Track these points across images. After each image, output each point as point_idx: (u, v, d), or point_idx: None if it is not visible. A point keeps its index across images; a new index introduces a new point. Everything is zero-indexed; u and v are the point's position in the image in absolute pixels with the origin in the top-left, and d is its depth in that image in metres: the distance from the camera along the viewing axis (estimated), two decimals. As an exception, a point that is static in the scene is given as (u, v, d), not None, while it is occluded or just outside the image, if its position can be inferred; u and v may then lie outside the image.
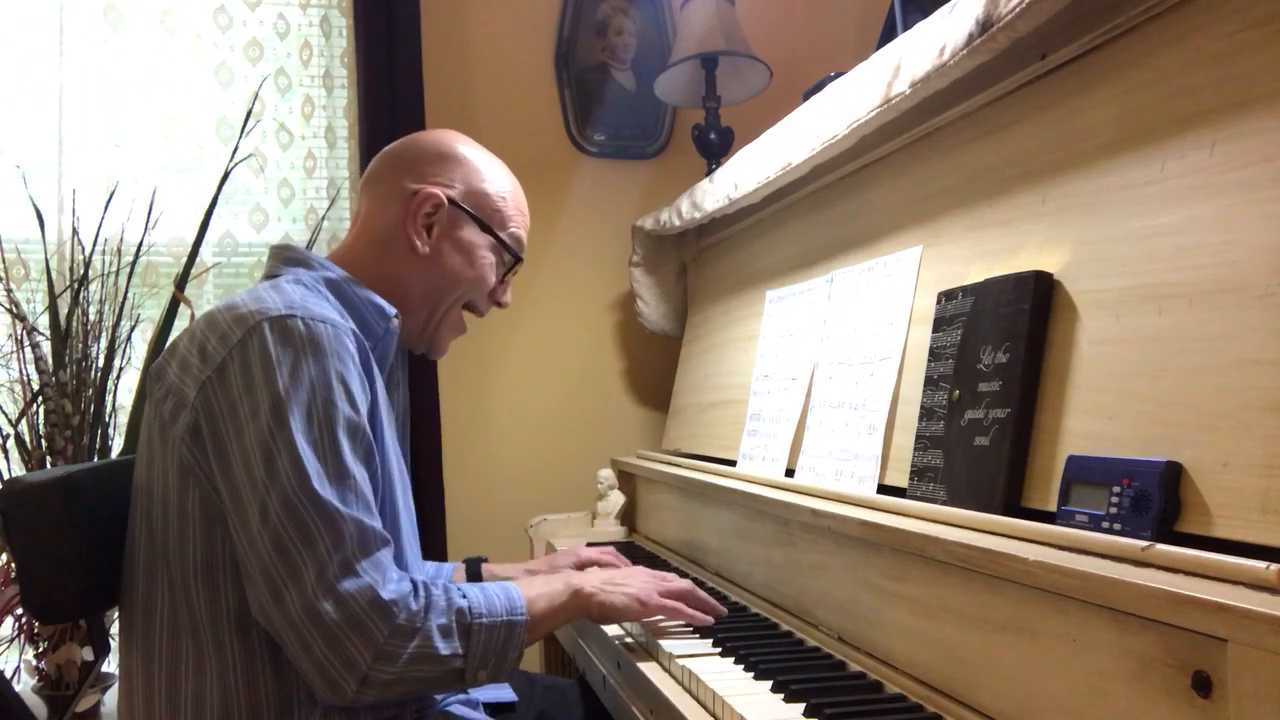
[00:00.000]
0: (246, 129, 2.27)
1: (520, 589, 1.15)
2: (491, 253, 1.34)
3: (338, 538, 1.01)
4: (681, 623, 1.32)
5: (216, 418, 1.05)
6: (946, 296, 1.20)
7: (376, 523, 1.06)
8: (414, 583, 1.06)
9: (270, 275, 1.25)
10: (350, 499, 1.04)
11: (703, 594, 1.33)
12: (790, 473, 1.53)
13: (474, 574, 1.57)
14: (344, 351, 1.09)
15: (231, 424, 1.04)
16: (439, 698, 1.23)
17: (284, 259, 1.26)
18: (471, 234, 1.32)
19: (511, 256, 1.37)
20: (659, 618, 1.32)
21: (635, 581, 1.29)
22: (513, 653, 1.11)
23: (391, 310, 1.25)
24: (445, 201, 1.29)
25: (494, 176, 1.36)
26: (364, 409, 1.10)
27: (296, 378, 1.05)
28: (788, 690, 1.05)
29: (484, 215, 1.33)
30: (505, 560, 1.66)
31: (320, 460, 1.03)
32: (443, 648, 1.05)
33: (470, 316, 1.41)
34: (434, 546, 2.26)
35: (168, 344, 1.18)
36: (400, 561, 1.14)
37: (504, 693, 1.40)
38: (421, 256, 1.29)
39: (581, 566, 1.53)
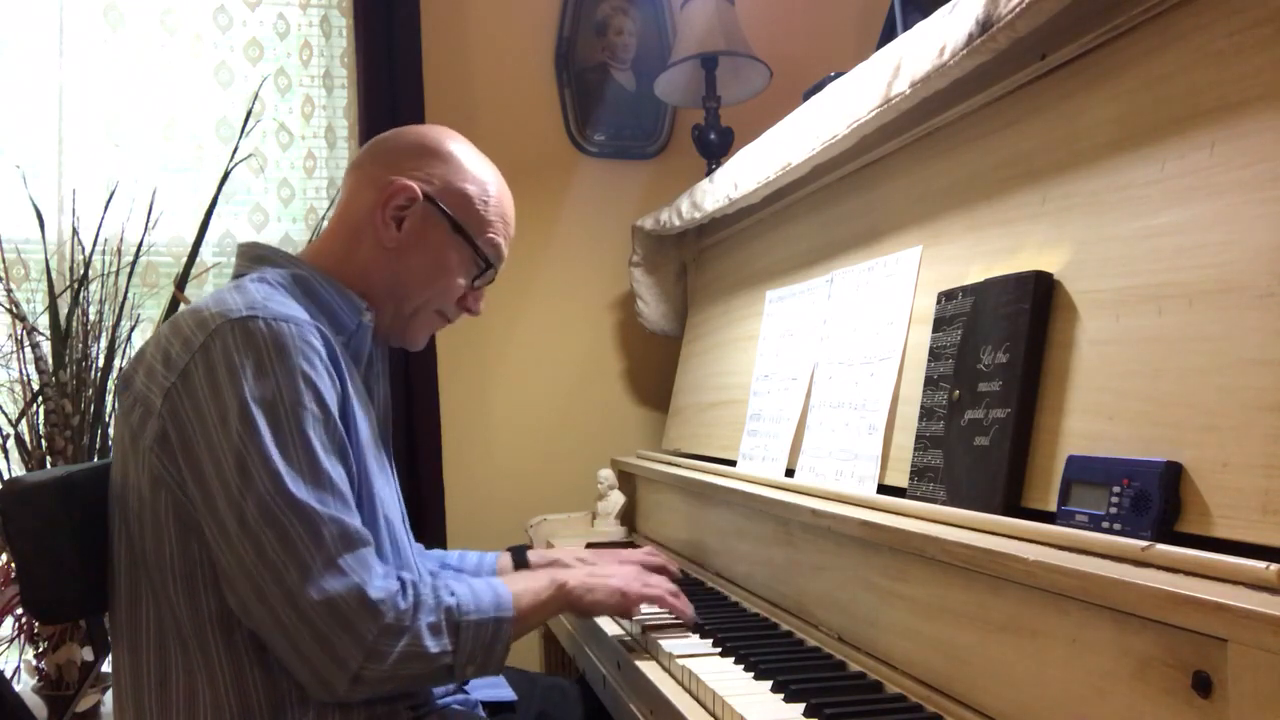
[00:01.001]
0: (246, 129, 2.27)
1: (508, 585, 1.16)
2: (462, 257, 1.28)
3: (318, 538, 1.01)
4: (671, 616, 1.32)
5: (184, 425, 1.04)
6: (946, 296, 1.20)
7: (357, 520, 1.05)
8: (402, 580, 1.06)
9: (238, 275, 1.22)
10: (328, 499, 1.03)
11: (682, 596, 1.33)
12: (790, 473, 1.53)
13: (520, 561, 1.56)
14: (309, 349, 1.07)
15: (200, 431, 1.03)
16: (438, 696, 1.23)
17: (251, 257, 1.23)
18: (443, 234, 1.26)
19: (484, 263, 1.30)
20: (649, 613, 1.33)
21: (619, 575, 1.29)
22: (499, 648, 1.11)
23: (362, 304, 1.22)
24: (420, 195, 1.24)
25: (479, 178, 1.29)
26: (334, 406, 1.09)
27: (261, 380, 1.03)
28: (788, 690, 1.05)
29: (460, 217, 1.26)
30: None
31: (293, 462, 1.02)
32: (432, 646, 1.05)
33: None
34: (433, 546, 2.26)
35: (136, 350, 1.17)
36: (382, 555, 1.13)
37: (504, 692, 1.39)
38: (387, 249, 1.24)
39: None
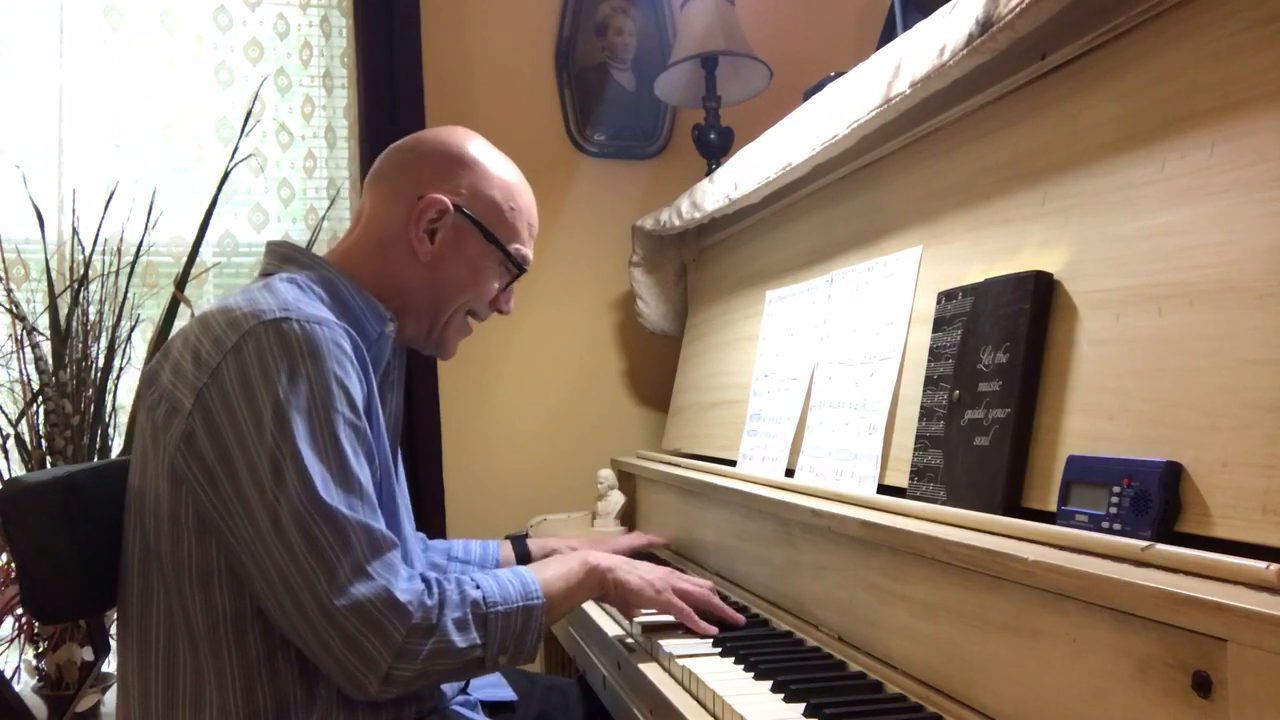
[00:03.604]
0: (246, 129, 2.27)
1: (534, 572, 1.17)
2: (494, 263, 1.31)
3: (346, 543, 1.01)
4: (672, 618, 1.32)
5: (216, 425, 1.04)
6: (946, 296, 1.20)
7: (382, 524, 1.06)
8: (426, 579, 1.07)
9: (265, 273, 1.23)
10: (356, 504, 1.04)
11: (718, 602, 1.34)
12: (790, 473, 1.53)
13: (520, 549, 1.60)
14: (340, 352, 1.08)
15: (232, 432, 1.03)
16: (440, 698, 1.23)
17: (280, 256, 1.24)
18: (475, 243, 1.28)
19: (515, 268, 1.34)
20: (660, 618, 1.32)
21: (652, 571, 1.31)
22: (531, 636, 1.12)
23: (388, 314, 1.23)
24: (451, 208, 1.26)
25: (504, 184, 1.32)
26: (362, 408, 1.10)
27: (295, 382, 1.04)
28: (788, 690, 1.05)
29: (490, 225, 1.29)
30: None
31: (325, 466, 1.03)
32: (459, 640, 1.06)
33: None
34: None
35: (162, 346, 1.17)
36: (406, 560, 1.14)
37: (504, 692, 1.40)
38: (423, 263, 1.26)
39: (618, 552, 1.56)
